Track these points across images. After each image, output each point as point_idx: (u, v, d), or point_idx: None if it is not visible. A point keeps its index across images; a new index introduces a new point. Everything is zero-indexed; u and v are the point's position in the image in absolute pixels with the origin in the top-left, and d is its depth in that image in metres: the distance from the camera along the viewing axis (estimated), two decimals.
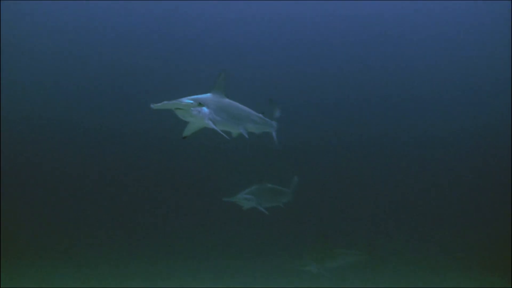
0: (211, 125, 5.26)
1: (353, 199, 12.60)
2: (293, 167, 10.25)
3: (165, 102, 4.80)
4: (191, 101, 4.99)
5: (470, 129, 13.36)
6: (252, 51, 14.11)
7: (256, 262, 10.19)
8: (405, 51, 13.94)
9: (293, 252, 9.38)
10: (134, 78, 13.68)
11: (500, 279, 9.02)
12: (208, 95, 5.58)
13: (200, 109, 5.08)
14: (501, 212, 11.30)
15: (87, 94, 13.38)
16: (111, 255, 10.61)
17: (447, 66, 13.77)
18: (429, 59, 13.84)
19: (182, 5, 13.87)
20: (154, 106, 4.70)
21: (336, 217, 11.67)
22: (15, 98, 12.49)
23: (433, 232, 11.82)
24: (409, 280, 9.16)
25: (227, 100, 5.79)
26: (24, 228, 11.14)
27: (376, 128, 13.79)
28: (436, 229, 11.88)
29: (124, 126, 13.15)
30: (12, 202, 11.31)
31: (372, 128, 13.81)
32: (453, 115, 13.58)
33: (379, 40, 13.95)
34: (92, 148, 13.09)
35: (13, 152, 12.07)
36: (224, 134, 5.42)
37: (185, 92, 5.12)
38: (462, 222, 11.70)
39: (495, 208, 11.67)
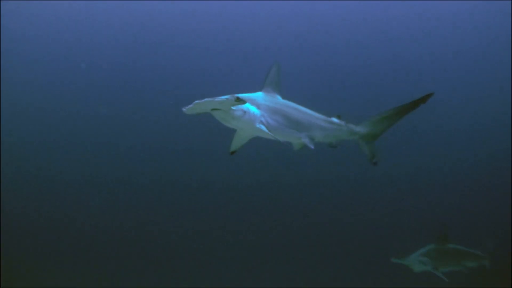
0: (263, 130, 3.99)
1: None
2: None
3: (196, 101, 3.63)
4: (229, 97, 3.64)
5: (468, 126, 13.28)
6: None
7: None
8: (400, 52, 13.72)
9: None
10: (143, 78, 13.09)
11: (500, 279, 9.01)
12: (259, 93, 4.34)
13: (247, 110, 3.84)
14: (501, 212, 11.31)
15: (89, 98, 12.95)
16: (112, 255, 10.62)
17: (445, 67, 13.72)
18: (427, 59, 13.77)
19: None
20: (186, 109, 3.64)
21: None
22: (15, 97, 12.45)
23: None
24: (409, 280, 9.16)
25: (282, 101, 4.48)
26: (24, 228, 11.13)
27: None
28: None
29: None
30: (12, 202, 11.30)
31: None
32: (451, 115, 13.51)
33: (375, 42, 13.68)
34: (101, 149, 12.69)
35: (13, 151, 12.04)
36: (279, 142, 4.20)
37: (227, 92, 3.87)
38: (462, 222, 11.69)
39: (495, 208, 11.68)
